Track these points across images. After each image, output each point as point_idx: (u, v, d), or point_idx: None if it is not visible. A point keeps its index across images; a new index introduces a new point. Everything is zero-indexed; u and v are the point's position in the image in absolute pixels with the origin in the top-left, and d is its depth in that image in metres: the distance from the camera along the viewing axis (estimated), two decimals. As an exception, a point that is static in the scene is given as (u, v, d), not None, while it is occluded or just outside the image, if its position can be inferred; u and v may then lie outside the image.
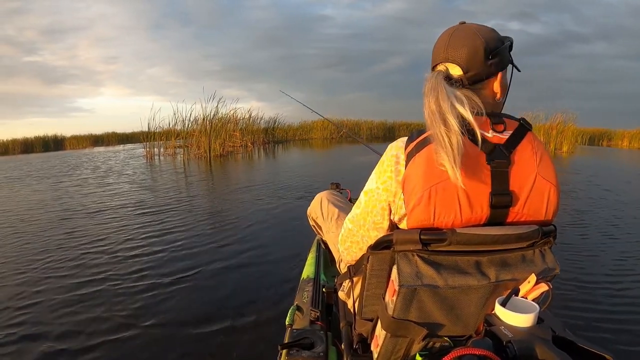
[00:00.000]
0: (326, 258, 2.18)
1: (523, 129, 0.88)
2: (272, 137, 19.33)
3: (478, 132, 0.83)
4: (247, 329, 2.30)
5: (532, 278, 0.81)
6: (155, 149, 14.18)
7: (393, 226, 0.95)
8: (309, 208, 1.84)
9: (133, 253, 3.65)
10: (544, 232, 0.87)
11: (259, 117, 18.43)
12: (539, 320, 0.73)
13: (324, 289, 1.66)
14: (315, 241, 2.41)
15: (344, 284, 1.35)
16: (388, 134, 23.95)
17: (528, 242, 0.86)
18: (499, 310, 0.76)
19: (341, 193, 2.63)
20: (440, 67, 0.95)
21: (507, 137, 0.86)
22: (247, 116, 16.90)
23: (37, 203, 6.23)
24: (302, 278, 1.97)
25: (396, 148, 0.92)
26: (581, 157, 13.47)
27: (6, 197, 7.07)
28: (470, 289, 0.83)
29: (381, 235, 0.94)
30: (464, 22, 0.98)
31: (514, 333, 0.69)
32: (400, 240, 0.83)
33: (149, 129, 13.97)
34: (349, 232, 1.07)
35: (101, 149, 21.70)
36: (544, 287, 0.81)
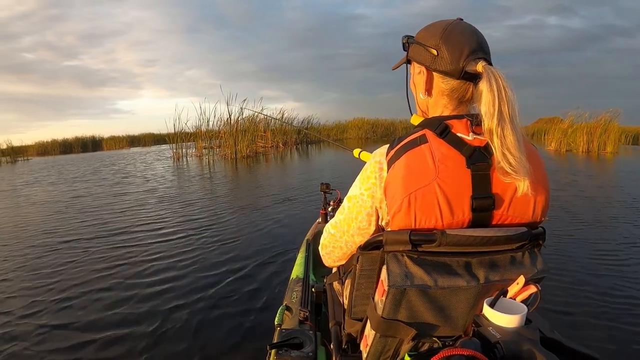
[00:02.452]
0: (316, 258, 2.18)
1: None
2: (305, 137, 19.11)
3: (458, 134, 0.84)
4: (235, 328, 2.29)
5: (521, 279, 0.81)
6: (182, 150, 14.20)
7: (380, 230, 0.94)
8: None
9: (131, 255, 3.62)
10: (533, 234, 0.87)
11: (292, 118, 18.26)
12: (527, 321, 0.74)
13: (313, 289, 1.66)
14: (305, 241, 2.41)
15: (333, 284, 1.34)
16: None
17: (517, 243, 0.86)
18: (487, 311, 0.76)
19: (331, 194, 2.64)
20: (483, 63, 0.86)
21: (487, 138, 0.83)
22: (279, 116, 16.59)
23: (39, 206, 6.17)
24: (291, 278, 1.97)
25: (379, 155, 0.91)
26: (626, 157, 12.46)
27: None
28: (459, 289, 0.83)
29: (366, 240, 0.94)
30: (462, 19, 0.96)
31: (502, 334, 0.70)
32: (390, 240, 0.83)
33: (174, 130, 14.00)
34: (331, 237, 1.06)
35: (137, 149, 22.10)
36: (532, 289, 0.81)
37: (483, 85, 0.82)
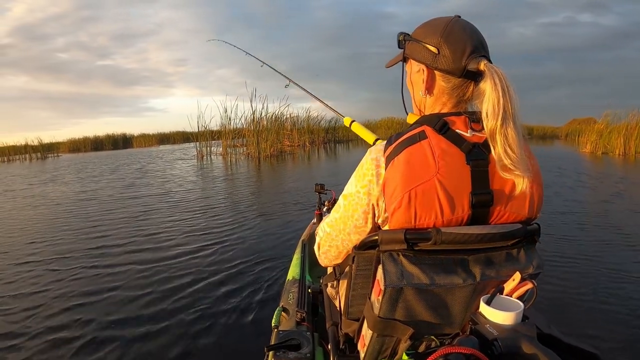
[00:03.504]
0: (311, 259, 2.17)
1: None
2: (333, 136, 18.90)
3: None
4: (232, 330, 2.29)
5: (517, 276, 0.81)
6: (206, 148, 14.17)
7: (376, 228, 0.94)
8: (316, 229, 1.78)
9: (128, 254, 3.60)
10: (529, 230, 0.87)
11: (320, 117, 17.96)
12: (524, 317, 0.74)
13: (309, 290, 1.66)
14: (300, 242, 2.40)
15: (329, 284, 1.34)
16: None
17: (512, 240, 0.86)
18: (484, 308, 0.76)
19: (326, 194, 2.64)
20: (483, 62, 0.86)
21: (486, 135, 0.84)
22: (305, 115, 16.53)
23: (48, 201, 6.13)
24: (287, 279, 1.97)
25: (376, 151, 0.90)
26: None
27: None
28: (455, 287, 0.83)
29: (362, 238, 0.94)
30: (459, 16, 0.95)
31: (499, 331, 0.70)
32: (386, 240, 0.83)
33: (198, 128, 13.96)
34: (327, 236, 1.05)
35: (166, 147, 22.40)
36: (528, 285, 0.81)
37: (486, 84, 0.83)
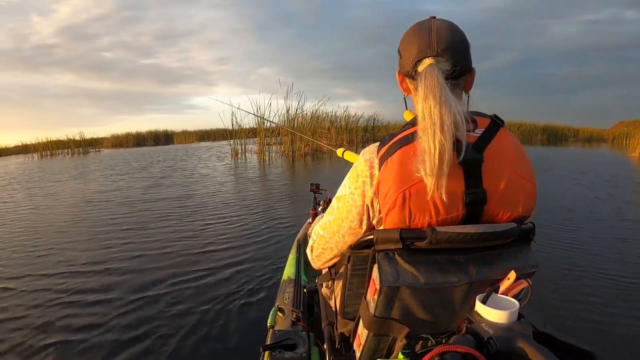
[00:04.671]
0: (307, 259, 2.17)
1: (495, 125, 0.87)
2: (372, 135, 18.64)
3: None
4: (228, 330, 2.28)
5: (512, 275, 0.81)
6: (240, 146, 14.12)
7: (371, 229, 0.94)
8: (310, 229, 1.77)
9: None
10: (524, 229, 0.87)
11: (359, 116, 17.82)
12: (520, 316, 0.74)
13: (305, 290, 1.66)
14: (295, 242, 2.40)
15: (325, 284, 1.34)
16: None
17: (507, 239, 0.87)
18: (479, 307, 0.76)
19: (321, 194, 2.64)
20: (427, 62, 0.88)
21: (478, 135, 0.85)
22: (343, 114, 16.32)
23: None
24: (282, 279, 1.97)
25: (369, 152, 0.91)
26: None
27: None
28: (451, 286, 0.83)
29: (356, 240, 0.94)
30: (434, 17, 0.96)
31: (494, 330, 0.70)
32: (381, 239, 0.83)
33: (232, 126, 13.88)
34: (321, 238, 1.06)
35: (206, 144, 22.47)
36: (523, 284, 0.81)
37: (417, 86, 0.86)
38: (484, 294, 0.78)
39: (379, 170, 0.85)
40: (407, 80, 0.97)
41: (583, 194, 6.31)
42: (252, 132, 14.29)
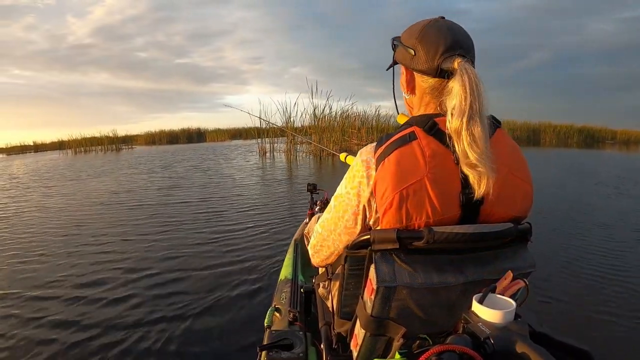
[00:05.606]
0: (304, 259, 2.17)
1: (492, 126, 0.87)
2: None
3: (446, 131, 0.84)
4: (225, 330, 2.28)
5: (509, 275, 0.81)
6: (269, 145, 14.13)
7: (367, 229, 0.94)
8: (306, 228, 1.76)
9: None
10: (520, 230, 0.88)
11: (390, 115, 17.23)
12: (516, 316, 0.74)
13: (302, 290, 1.66)
14: (292, 242, 2.40)
15: (322, 284, 1.34)
16: (532, 137, 21.36)
17: (504, 239, 0.87)
18: (476, 307, 0.76)
19: (318, 194, 2.65)
20: (458, 60, 0.86)
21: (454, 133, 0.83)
22: (375, 113, 15.91)
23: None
24: (280, 279, 1.97)
25: (366, 153, 0.91)
26: None
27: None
28: (448, 286, 0.83)
29: (352, 239, 0.94)
30: (444, 18, 0.96)
31: (491, 329, 0.70)
32: (378, 239, 0.83)
33: (260, 125, 13.88)
34: (319, 236, 1.06)
35: (238, 142, 22.83)
36: (520, 284, 0.82)
37: (455, 82, 0.83)
38: (481, 293, 0.78)
39: (376, 170, 0.85)
40: (421, 78, 0.94)
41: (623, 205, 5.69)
42: (281, 131, 14.23)
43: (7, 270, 3.40)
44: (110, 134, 22.88)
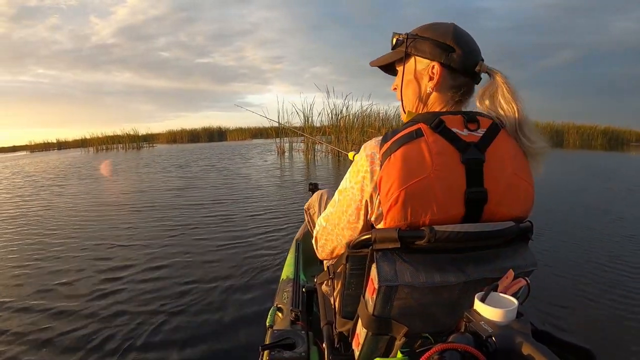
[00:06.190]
0: (307, 257, 2.17)
1: (497, 127, 0.88)
2: None
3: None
4: (227, 331, 2.28)
5: (510, 274, 0.81)
6: (288, 144, 14.18)
7: (369, 226, 0.94)
8: (307, 203, 1.77)
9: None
10: (521, 228, 0.88)
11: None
12: (518, 314, 0.74)
13: (303, 289, 1.66)
14: (294, 242, 2.40)
15: (323, 283, 1.34)
16: (555, 138, 20.48)
17: (506, 238, 0.87)
18: (478, 305, 0.76)
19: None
20: (484, 65, 0.96)
21: (481, 135, 0.86)
22: (395, 113, 15.73)
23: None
24: (281, 279, 1.97)
25: (371, 147, 0.91)
26: None
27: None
28: (449, 285, 0.83)
29: (355, 234, 0.94)
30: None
31: (493, 328, 0.70)
32: (379, 238, 0.83)
33: (279, 123, 13.63)
34: (323, 230, 1.06)
35: (259, 141, 22.90)
36: (522, 283, 0.82)
37: (498, 82, 0.93)
38: (483, 292, 0.79)
39: (381, 166, 0.85)
40: (452, 75, 0.97)
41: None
42: (300, 131, 14.14)
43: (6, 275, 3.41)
44: (131, 132, 23.38)
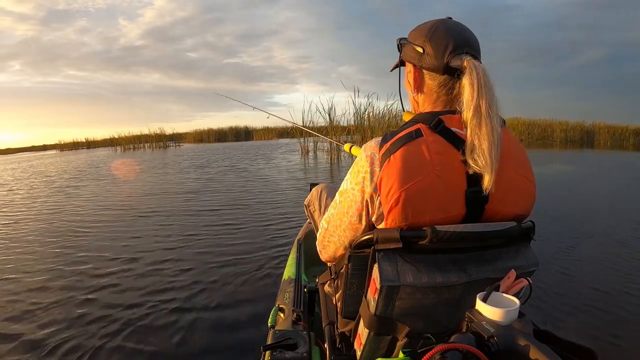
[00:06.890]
0: (308, 258, 2.17)
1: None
2: None
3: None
4: (229, 331, 2.28)
5: (512, 274, 0.82)
6: (313, 144, 14.17)
7: (370, 227, 0.94)
8: (307, 199, 1.74)
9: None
10: (524, 228, 0.88)
11: None
12: (520, 314, 0.74)
13: (305, 289, 1.66)
14: (296, 242, 2.40)
15: (325, 283, 1.34)
16: (586, 138, 19.66)
17: (507, 238, 0.87)
18: (480, 305, 0.76)
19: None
20: (467, 58, 0.87)
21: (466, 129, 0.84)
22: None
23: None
24: (283, 279, 1.97)
25: (370, 148, 0.90)
26: None
27: None
28: (451, 285, 0.83)
29: (357, 235, 0.94)
30: (451, 18, 0.97)
31: (495, 328, 0.70)
32: (381, 238, 0.83)
33: (303, 123, 13.58)
34: (325, 231, 1.06)
35: (285, 140, 22.93)
36: (523, 282, 0.82)
37: (465, 80, 0.84)
38: (485, 292, 0.79)
39: (381, 167, 0.85)
40: (430, 75, 0.94)
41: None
42: (324, 130, 13.98)
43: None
44: (158, 131, 23.63)
